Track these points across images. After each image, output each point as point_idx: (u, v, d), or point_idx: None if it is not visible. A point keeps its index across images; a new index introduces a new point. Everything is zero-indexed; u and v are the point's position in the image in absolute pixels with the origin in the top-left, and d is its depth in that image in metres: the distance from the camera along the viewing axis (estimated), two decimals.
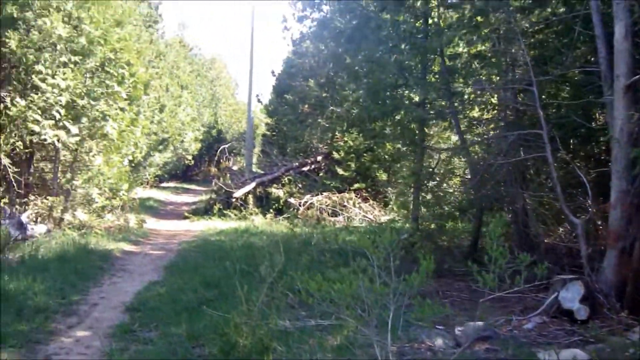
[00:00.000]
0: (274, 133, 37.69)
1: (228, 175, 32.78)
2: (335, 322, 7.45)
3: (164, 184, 40.85)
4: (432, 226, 15.04)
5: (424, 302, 5.36)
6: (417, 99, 14.31)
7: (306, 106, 30.40)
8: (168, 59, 37.30)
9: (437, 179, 15.19)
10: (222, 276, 10.80)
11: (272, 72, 40.22)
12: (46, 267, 11.32)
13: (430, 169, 15.51)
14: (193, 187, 45.68)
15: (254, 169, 36.56)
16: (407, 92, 14.59)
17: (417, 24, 14.22)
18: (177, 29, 52.30)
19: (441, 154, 15.60)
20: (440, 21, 13.95)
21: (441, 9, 13.87)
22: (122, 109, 17.65)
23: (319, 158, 27.14)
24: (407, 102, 14.11)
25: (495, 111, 14.26)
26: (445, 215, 14.22)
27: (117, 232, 17.47)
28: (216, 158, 50.36)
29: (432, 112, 13.42)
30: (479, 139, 14.00)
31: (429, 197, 15.26)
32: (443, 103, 13.58)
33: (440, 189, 15.71)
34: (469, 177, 14.21)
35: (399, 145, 21.34)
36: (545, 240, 12.64)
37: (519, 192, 12.11)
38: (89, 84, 16.73)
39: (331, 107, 23.16)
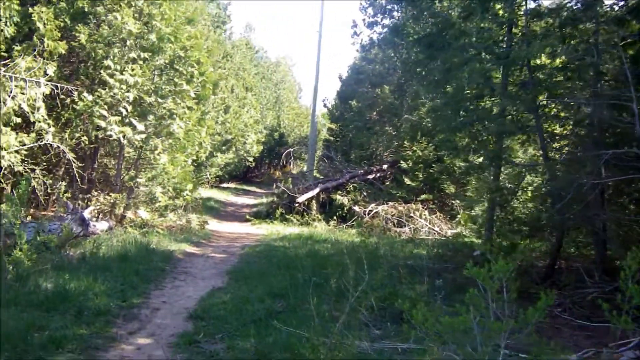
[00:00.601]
0: (338, 139, 37.20)
1: (290, 179, 32.44)
2: (414, 345, 6.88)
3: (224, 185, 40.56)
4: (505, 243, 14.39)
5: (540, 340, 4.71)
6: (495, 110, 13.61)
7: (374, 113, 29.88)
8: (234, 60, 37.22)
9: (513, 195, 14.44)
10: (290, 286, 10.30)
11: (340, 77, 39.85)
12: (107, 266, 10.99)
13: (510, 185, 14.83)
14: (253, 189, 45.34)
15: (314, 174, 36.17)
16: (488, 103, 13.91)
17: (501, 32, 13.55)
18: (244, 30, 52.35)
19: (515, 169, 14.92)
20: (527, 30, 13.27)
21: (527, 18, 13.17)
22: (189, 108, 17.34)
23: (385, 166, 26.55)
24: (488, 113, 13.40)
25: (579, 127, 13.48)
26: (521, 233, 13.49)
27: (179, 233, 17.16)
28: (281, 161, 50.16)
29: (514, 125, 12.69)
30: (566, 156, 13.23)
31: (504, 213, 14.53)
32: (524, 116, 12.88)
33: (514, 205, 15.01)
34: (545, 193, 13.49)
35: (472, 158, 20.76)
36: None
37: (603, 213, 11.37)
38: (157, 82, 16.53)
39: (405, 115, 22.47)
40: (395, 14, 30.01)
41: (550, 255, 12.95)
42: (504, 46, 13.26)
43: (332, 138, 38.53)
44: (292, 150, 37.40)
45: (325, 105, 42.70)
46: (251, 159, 42.14)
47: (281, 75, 61.93)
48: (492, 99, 13.21)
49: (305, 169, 38.40)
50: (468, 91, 13.19)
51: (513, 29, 13.42)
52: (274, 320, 8.16)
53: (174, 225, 17.51)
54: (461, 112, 13.42)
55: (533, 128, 12.24)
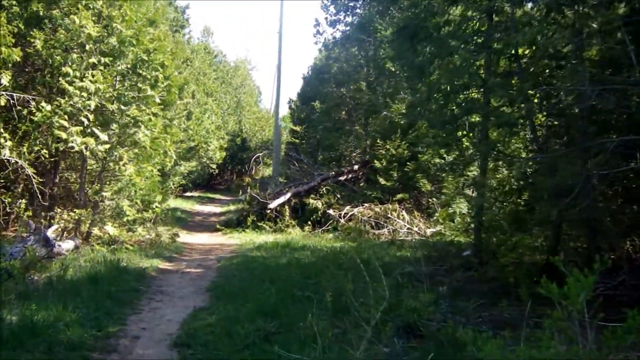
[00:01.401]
0: (303, 141, 36.38)
1: (257, 185, 31.54)
2: None
3: (188, 194, 39.71)
4: (495, 240, 13.71)
5: None
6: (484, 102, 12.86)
7: (343, 113, 29.11)
8: (194, 65, 36.32)
9: (503, 189, 13.70)
10: (279, 302, 9.49)
11: (303, 77, 39.14)
12: (77, 290, 10.00)
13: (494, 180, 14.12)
14: (218, 196, 44.57)
15: (280, 178, 35.38)
16: (475, 94, 13.15)
17: (483, 20, 12.81)
18: (202, 34, 51.28)
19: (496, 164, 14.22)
20: (511, 17, 12.53)
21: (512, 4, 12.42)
22: (155, 115, 16.38)
23: (356, 167, 25.81)
24: (481, 105, 12.61)
25: (568, 116, 12.75)
26: (514, 229, 12.73)
27: (149, 248, 16.26)
28: (249, 167, 49.46)
29: (507, 116, 11.89)
30: (561, 147, 12.47)
31: (495, 209, 13.79)
32: (513, 107, 12.11)
33: (500, 200, 14.31)
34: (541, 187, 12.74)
35: (451, 154, 20.11)
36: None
37: (595, 204, 10.62)
38: (120, 88, 15.61)
39: (384, 112, 21.65)
40: (358, 11, 29.37)
41: (546, 251, 12.07)
42: (486, 35, 12.56)
43: (297, 140, 37.65)
44: (260, 155, 36.39)
45: (290, 107, 41.96)
46: (214, 166, 41.38)
47: (241, 80, 60.92)
48: (481, 89, 12.39)
49: (270, 173, 37.67)
50: (458, 82, 12.35)
51: (494, 16, 12.73)
52: (270, 343, 7.34)
53: (144, 240, 16.58)
54: (448, 105, 12.67)
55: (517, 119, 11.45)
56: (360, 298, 8.43)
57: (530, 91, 10.78)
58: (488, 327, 8.30)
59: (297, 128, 38.11)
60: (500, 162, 13.38)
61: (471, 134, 13.31)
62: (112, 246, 14.89)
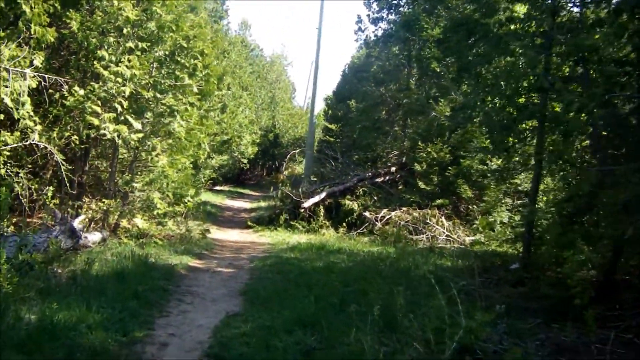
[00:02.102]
0: (338, 140, 35.67)
1: (290, 182, 30.86)
2: None
3: (218, 188, 39.19)
4: (547, 255, 12.87)
5: None
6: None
7: (383, 112, 28.31)
8: (231, 57, 35.79)
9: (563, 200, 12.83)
10: (318, 312, 8.73)
11: (342, 74, 38.59)
12: (102, 288, 9.33)
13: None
14: (247, 192, 44.18)
15: (312, 177, 34.73)
16: (536, 99, 12.26)
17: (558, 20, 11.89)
18: (239, 27, 50.81)
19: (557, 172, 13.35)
20: (581, 18, 11.66)
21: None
22: (191, 104, 15.70)
23: (393, 169, 24.98)
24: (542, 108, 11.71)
25: None
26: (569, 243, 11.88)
27: (179, 243, 15.61)
28: (281, 163, 49.03)
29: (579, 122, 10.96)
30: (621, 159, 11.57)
31: (546, 220, 12.95)
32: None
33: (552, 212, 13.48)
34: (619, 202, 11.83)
35: (496, 160, 19.31)
36: None
37: None
38: (157, 75, 14.98)
39: (432, 113, 20.76)
40: (402, 9, 28.54)
41: (604, 269, 11.13)
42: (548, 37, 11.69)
43: (331, 139, 36.95)
44: (295, 152, 35.67)
45: (327, 104, 41.43)
46: (245, 161, 41.03)
47: (276, 75, 60.58)
48: (545, 93, 11.48)
49: (302, 171, 36.97)
50: (520, 84, 11.47)
51: (556, 17, 11.86)
52: None
53: (173, 235, 15.94)
54: (506, 108, 11.82)
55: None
56: (410, 313, 7.71)
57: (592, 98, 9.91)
58: (548, 352, 7.58)
59: (333, 126, 37.43)
60: (561, 172, 12.45)
61: (529, 140, 12.44)
62: (141, 240, 14.34)
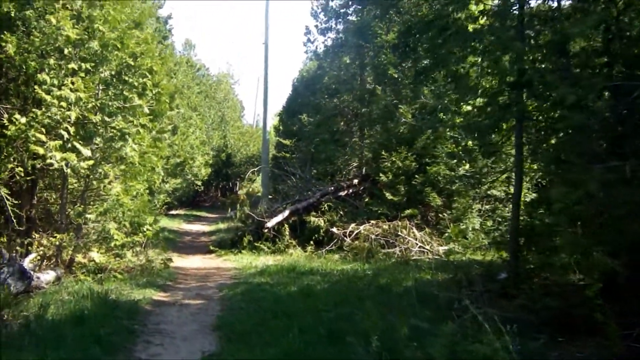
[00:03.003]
0: (293, 155, 34.77)
1: (247, 202, 29.84)
2: None
3: (173, 212, 38.27)
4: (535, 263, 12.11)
5: None
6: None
7: (341, 124, 27.48)
8: (177, 77, 34.80)
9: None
10: (306, 346, 7.81)
11: (293, 86, 37.89)
12: (59, 334, 8.28)
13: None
14: (204, 214, 43.31)
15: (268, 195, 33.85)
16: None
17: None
18: (183, 47, 49.75)
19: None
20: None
21: None
22: (143, 126, 14.65)
23: (355, 181, 24.11)
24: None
25: None
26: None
27: (140, 275, 14.52)
28: (239, 183, 48.32)
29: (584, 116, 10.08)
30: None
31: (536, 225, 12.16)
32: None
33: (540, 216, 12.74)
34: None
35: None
36: None
37: None
38: (103, 97, 13.88)
39: (402, 120, 19.81)
40: (350, 18, 27.87)
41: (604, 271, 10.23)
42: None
43: (287, 154, 36.01)
44: (255, 170, 34.70)
45: (279, 119, 40.81)
46: (199, 183, 40.11)
47: (224, 94, 59.60)
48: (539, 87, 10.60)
49: (257, 189, 36.04)
50: (505, 80, 10.59)
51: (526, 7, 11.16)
52: None
53: (133, 267, 14.86)
54: (488, 108, 10.98)
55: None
56: (412, 341, 6.85)
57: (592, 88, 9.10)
58: None
59: (287, 142, 36.48)
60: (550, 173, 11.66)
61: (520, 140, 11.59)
62: (99, 275, 13.27)
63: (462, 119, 12.99)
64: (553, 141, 10.35)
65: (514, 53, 10.16)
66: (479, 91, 11.46)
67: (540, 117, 10.04)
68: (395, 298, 11.30)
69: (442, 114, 13.70)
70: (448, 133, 18.68)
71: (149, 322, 10.19)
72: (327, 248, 19.54)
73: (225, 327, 9.63)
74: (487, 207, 20.45)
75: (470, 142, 17.12)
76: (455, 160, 20.41)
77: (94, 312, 9.82)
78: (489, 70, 11.04)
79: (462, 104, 12.58)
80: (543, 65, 9.59)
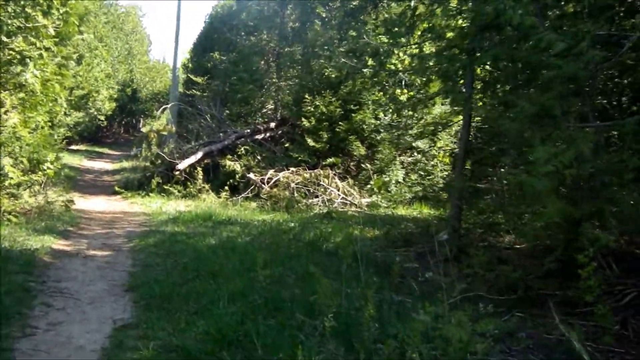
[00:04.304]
0: (205, 94, 33.06)
1: (154, 138, 28.10)
2: None
3: (74, 147, 36.43)
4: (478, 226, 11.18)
5: None
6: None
7: (262, 62, 25.91)
8: (83, 4, 32.63)
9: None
10: (242, 317, 6.51)
11: (206, 23, 36.32)
12: None
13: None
14: (106, 150, 41.60)
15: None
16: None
17: None
18: None
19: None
20: None
21: None
22: (48, 50, 12.88)
23: (273, 124, 22.71)
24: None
25: None
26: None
27: (38, 219, 12.89)
28: (145, 119, 46.69)
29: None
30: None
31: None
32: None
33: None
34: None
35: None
36: None
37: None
38: (2, 14, 11.98)
39: (342, 60, 18.41)
40: None
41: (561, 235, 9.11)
42: None
43: (198, 93, 34.23)
44: (169, 106, 32.81)
45: (190, 56, 39.22)
46: (103, 118, 38.27)
47: (132, 26, 57.06)
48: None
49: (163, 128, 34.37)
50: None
51: None
52: None
53: (30, 209, 13.19)
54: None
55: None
56: (374, 321, 5.67)
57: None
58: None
59: (198, 79, 34.67)
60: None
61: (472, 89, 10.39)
62: None
63: (415, 63, 11.72)
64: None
65: None
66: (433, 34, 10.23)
67: (509, 65, 8.81)
68: (329, 257, 10.17)
69: (383, 57, 12.43)
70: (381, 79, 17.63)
71: (48, 279, 8.66)
72: (243, 195, 18.25)
73: (140, 288, 8.15)
74: (409, 159, 19.60)
75: (404, 90, 16.13)
76: (382, 109, 19.43)
77: None
78: (453, 9, 9.76)
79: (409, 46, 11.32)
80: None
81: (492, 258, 9.07)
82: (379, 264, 9.58)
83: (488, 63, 9.04)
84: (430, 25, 10.53)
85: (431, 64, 10.65)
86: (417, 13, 10.52)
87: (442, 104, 16.36)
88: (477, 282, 8.53)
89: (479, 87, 10.55)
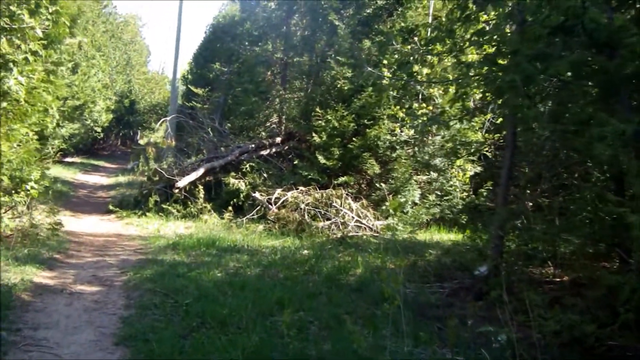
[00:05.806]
0: (205, 106, 31.79)
1: (151, 152, 26.67)
2: None
3: (69, 159, 35.71)
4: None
5: None
6: None
7: (269, 74, 24.61)
8: (75, 4, 31.56)
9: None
10: None
11: (208, 33, 35.40)
12: None
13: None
14: (102, 163, 40.63)
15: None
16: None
17: None
18: None
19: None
20: None
21: None
22: (34, 54, 11.48)
23: (278, 139, 21.34)
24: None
25: None
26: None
27: (20, 244, 11.44)
28: (142, 132, 45.72)
29: None
30: None
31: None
32: None
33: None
34: None
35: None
36: None
37: None
38: None
39: (368, 68, 16.83)
40: None
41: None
42: None
43: (198, 105, 32.92)
44: (168, 119, 31.30)
45: (190, 67, 38.37)
46: (99, 130, 37.29)
47: (131, 36, 56.11)
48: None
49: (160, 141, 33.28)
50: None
51: None
52: None
53: (12, 233, 11.75)
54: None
55: None
56: None
57: None
58: None
59: (199, 91, 33.35)
60: None
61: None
62: None
63: (458, 71, 10.32)
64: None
65: None
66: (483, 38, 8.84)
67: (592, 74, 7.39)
68: (352, 296, 8.88)
69: (416, 67, 11.08)
70: (391, 93, 16.38)
71: (24, 325, 7.14)
72: (248, 216, 16.82)
73: (134, 341, 6.68)
74: (423, 178, 18.38)
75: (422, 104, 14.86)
76: (397, 124, 18.21)
77: None
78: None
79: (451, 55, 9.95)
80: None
81: (545, 299, 7.61)
82: (410, 303, 8.17)
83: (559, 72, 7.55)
84: (479, 29, 9.19)
85: (474, 72, 9.30)
86: (465, 14, 9.11)
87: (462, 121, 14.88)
88: (532, 329, 7.07)
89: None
